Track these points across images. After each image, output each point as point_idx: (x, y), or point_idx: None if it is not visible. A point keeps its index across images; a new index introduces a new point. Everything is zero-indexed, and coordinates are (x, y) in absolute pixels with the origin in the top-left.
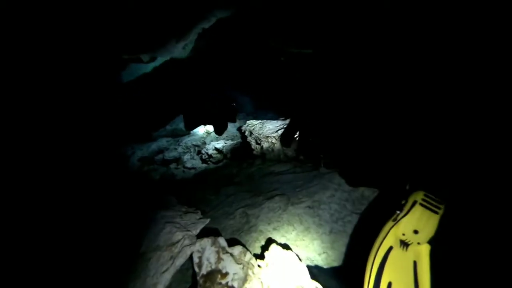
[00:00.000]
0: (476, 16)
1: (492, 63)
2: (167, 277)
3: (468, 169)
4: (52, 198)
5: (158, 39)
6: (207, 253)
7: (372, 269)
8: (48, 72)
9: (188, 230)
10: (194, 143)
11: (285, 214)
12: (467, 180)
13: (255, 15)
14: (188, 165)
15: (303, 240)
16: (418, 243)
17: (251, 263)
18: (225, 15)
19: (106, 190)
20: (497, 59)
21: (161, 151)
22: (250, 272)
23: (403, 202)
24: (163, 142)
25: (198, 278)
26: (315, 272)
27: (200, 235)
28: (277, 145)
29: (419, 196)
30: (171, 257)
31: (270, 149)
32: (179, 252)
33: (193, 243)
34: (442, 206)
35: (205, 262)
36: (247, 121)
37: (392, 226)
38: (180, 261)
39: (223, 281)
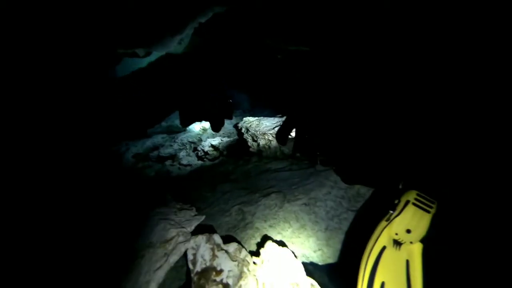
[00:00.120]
0: (475, 16)
1: (482, 64)
2: (160, 274)
3: (460, 168)
4: (42, 194)
5: (153, 32)
6: (202, 250)
7: (366, 270)
8: (40, 67)
9: (183, 227)
10: (190, 139)
11: (281, 211)
12: (458, 179)
13: (252, 11)
14: (184, 162)
15: (299, 237)
16: (411, 242)
17: (246, 260)
18: (222, 10)
19: (98, 187)
20: (486, 60)
21: (156, 147)
22: (245, 269)
23: (396, 201)
24: (158, 138)
25: (192, 275)
26: (310, 269)
27: (195, 232)
28: (274, 142)
29: (411, 195)
30: (165, 254)
31: (266, 146)
32: (173, 249)
33: (187, 240)
34: (434, 205)
35: (199, 259)
36: (244, 118)
37: (386, 226)
38: (174, 258)
39: (218, 278)
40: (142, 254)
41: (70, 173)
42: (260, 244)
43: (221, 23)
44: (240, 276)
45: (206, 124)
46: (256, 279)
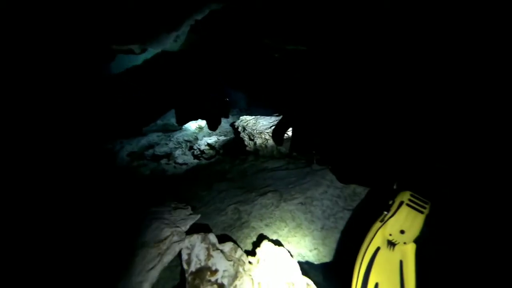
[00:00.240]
0: (475, 16)
1: (473, 63)
2: (154, 274)
3: (453, 169)
4: (35, 192)
5: (149, 29)
6: (197, 250)
7: (360, 271)
8: (33, 63)
9: (177, 226)
10: (186, 138)
11: (277, 211)
12: (452, 180)
13: (249, 9)
14: (180, 160)
15: (295, 236)
16: (405, 243)
17: (242, 259)
18: (218, 7)
19: (92, 185)
20: (477, 59)
21: (151, 146)
22: (240, 268)
23: (390, 202)
24: (153, 137)
25: (186, 275)
26: (306, 268)
27: (190, 232)
28: (271, 141)
29: (405, 196)
30: (159, 254)
31: (263, 145)
32: (167, 248)
33: (182, 240)
34: (427, 206)
35: (194, 259)
36: (241, 117)
37: (380, 227)
38: (168, 258)
39: (213, 278)
40: (135, 254)
41: (63, 171)
42: (256, 244)
43: (218, 21)
44: (235, 276)
45: (202, 123)
46: (252, 279)
